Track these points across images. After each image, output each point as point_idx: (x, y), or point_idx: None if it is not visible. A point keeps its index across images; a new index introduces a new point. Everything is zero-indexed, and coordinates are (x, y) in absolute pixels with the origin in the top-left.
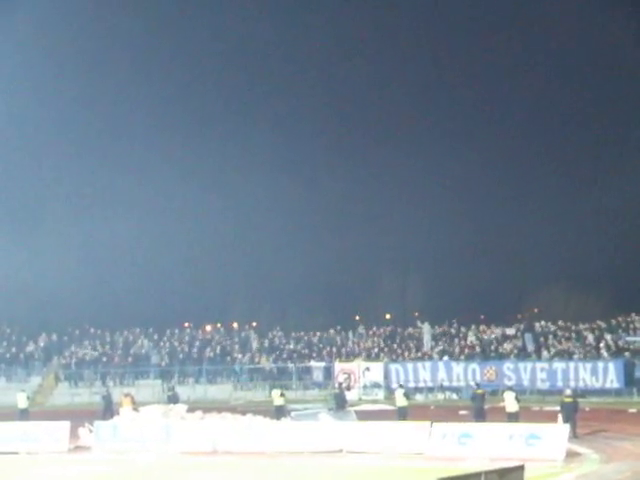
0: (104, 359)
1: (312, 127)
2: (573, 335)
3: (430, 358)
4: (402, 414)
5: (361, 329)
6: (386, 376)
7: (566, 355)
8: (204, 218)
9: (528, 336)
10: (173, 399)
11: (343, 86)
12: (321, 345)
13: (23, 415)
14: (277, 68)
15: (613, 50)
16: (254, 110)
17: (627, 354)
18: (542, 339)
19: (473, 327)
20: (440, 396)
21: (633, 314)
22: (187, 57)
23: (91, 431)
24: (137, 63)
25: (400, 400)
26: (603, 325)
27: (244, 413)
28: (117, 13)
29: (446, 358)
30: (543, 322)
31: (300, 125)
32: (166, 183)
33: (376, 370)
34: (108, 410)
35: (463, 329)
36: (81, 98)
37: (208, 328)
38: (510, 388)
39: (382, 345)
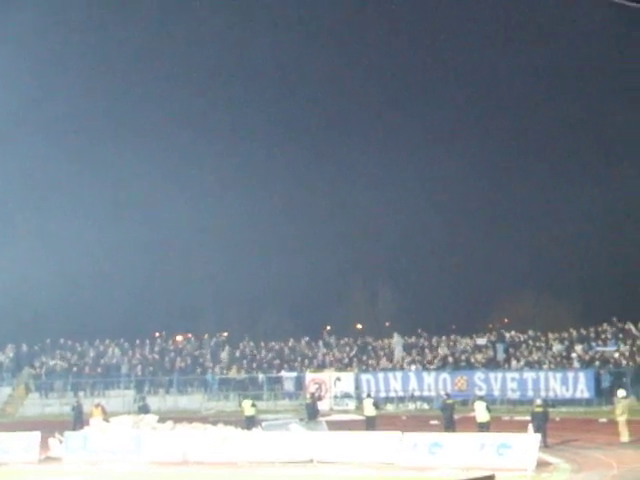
0: (75, 369)
1: (283, 139)
2: (543, 345)
3: (401, 368)
4: (371, 424)
5: (332, 339)
6: (357, 386)
7: (536, 365)
8: (175, 228)
9: (499, 346)
10: (144, 409)
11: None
12: (292, 355)
13: None
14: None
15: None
16: (221, 121)
17: (597, 364)
18: (512, 349)
19: (444, 337)
20: (411, 406)
21: (604, 324)
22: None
23: (61, 442)
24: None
25: (369, 410)
26: (574, 335)
27: (215, 423)
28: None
29: (414, 367)
30: (513, 332)
31: (271, 136)
32: (139, 193)
33: (347, 380)
34: (78, 421)
35: (434, 339)
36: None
37: (179, 338)
38: (481, 398)
39: (353, 355)
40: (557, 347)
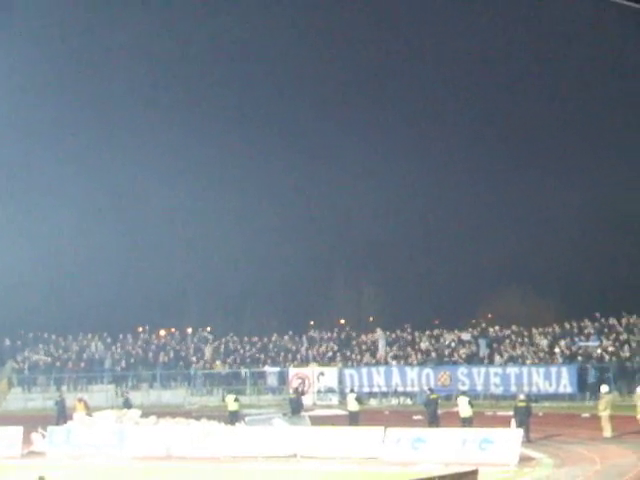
0: (58, 364)
1: (269, 134)
2: (527, 340)
3: (385, 363)
4: (354, 419)
5: (315, 334)
6: (340, 381)
7: (520, 360)
8: (158, 222)
9: (482, 341)
10: (127, 404)
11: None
12: (275, 350)
13: None
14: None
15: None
16: (205, 117)
17: (580, 359)
18: (496, 344)
19: (427, 332)
20: (394, 401)
21: (586, 319)
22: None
23: (44, 436)
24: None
25: (352, 405)
26: (557, 330)
27: (198, 418)
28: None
29: (396, 362)
30: (497, 327)
31: (257, 131)
32: (122, 187)
33: (330, 375)
34: (62, 415)
35: (418, 334)
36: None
37: (162, 333)
38: (464, 393)
39: (336, 350)
40: (540, 342)
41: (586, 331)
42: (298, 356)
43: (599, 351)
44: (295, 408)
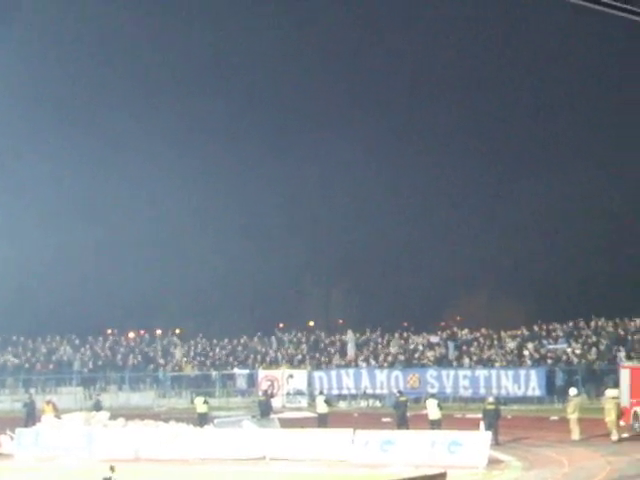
0: (26, 366)
1: (240, 133)
2: (495, 343)
3: (354, 365)
4: (323, 421)
5: (284, 336)
6: (310, 383)
7: (489, 363)
8: (127, 224)
9: (451, 344)
10: (97, 406)
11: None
12: (244, 352)
13: None
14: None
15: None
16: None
17: (549, 362)
18: (464, 347)
19: (396, 335)
20: (363, 403)
21: (555, 322)
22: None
23: (12, 438)
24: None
25: (321, 407)
26: (525, 333)
27: (167, 420)
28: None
29: (365, 365)
30: (466, 330)
31: (227, 131)
32: (92, 188)
33: (300, 377)
34: (31, 417)
35: (387, 337)
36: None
37: (131, 335)
38: (433, 395)
39: (306, 352)
40: (509, 345)
41: (554, 334)
42: (267, 358)
43: (569, 352)
44: (264, 410)
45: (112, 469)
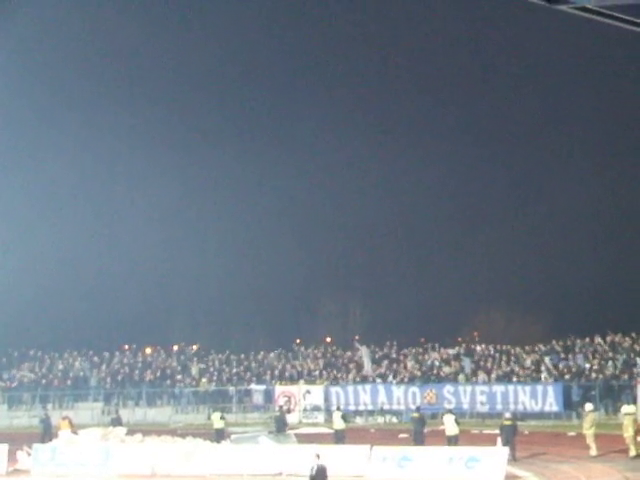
0: (43, 381)
1: (257, 144)
2: (513, 358)
3: (371, 381)
4: (339, 437)
5: (301, 352)
6: (326, 399)
7: (506, 378)
8: (144, 240)
9: (467, 360)
10: (116, 422)
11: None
12: (261, 368)
13: None
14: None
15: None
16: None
17: (566, 377)
18: (482, 362)
19: (413, 350)
20: (380, 419)
21: (572, 338)
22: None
23: (29, 454)
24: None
25: (338, 423)
26: (542, 348)
27: (184, 436)
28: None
29: (380, 381)
30: (483, 345)
31: (240, 141)
32: (107, 201)
33: (316, 393)
34: (47, 433)
35: (404, 352)
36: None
37: (148, 350)
38: (450, 411)
39: (322, 368)
40: (526, 361)
41: (572, 350)
42: (284, 374)
43: (586, 368)
44: (280, 426)
45: None
